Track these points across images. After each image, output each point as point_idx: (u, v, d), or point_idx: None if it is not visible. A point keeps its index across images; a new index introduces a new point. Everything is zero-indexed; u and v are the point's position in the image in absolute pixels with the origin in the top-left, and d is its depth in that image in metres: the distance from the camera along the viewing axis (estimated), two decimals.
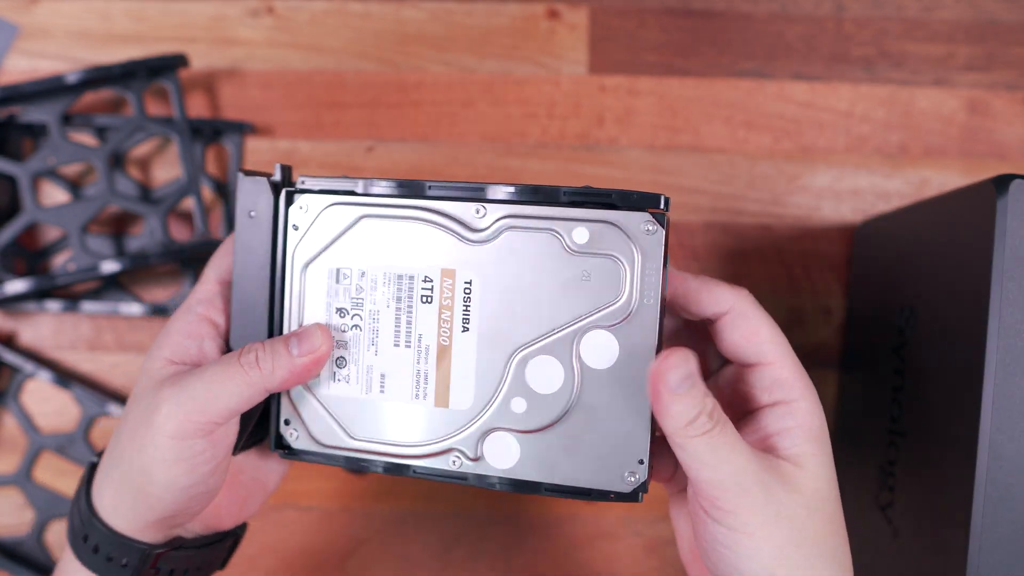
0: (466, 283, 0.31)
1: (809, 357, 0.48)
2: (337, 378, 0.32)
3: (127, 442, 0.30)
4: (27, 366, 0.47)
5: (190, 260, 0.48)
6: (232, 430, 0.31)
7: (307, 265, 0.32)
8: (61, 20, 0.48)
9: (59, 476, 0.48)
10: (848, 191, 0.48)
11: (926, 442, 0.36)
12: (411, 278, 0.31)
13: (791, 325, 0.48)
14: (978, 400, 0.31)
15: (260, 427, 0.34)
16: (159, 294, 0.49)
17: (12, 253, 0.47)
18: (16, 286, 0.44)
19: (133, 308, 0.47)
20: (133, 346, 0.48)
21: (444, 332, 0.31)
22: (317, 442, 0.33)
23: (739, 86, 0.48)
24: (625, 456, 0.29)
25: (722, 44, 0.48)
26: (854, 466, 0.44)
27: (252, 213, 0.32)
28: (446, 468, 0.31)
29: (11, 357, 0.47)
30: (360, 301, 0.32)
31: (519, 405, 0.31)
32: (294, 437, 0.33)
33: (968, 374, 0.31)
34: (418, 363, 0.31)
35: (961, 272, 0.33)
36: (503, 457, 0.31)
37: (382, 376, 0.32)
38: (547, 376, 0.30)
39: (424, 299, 0.31)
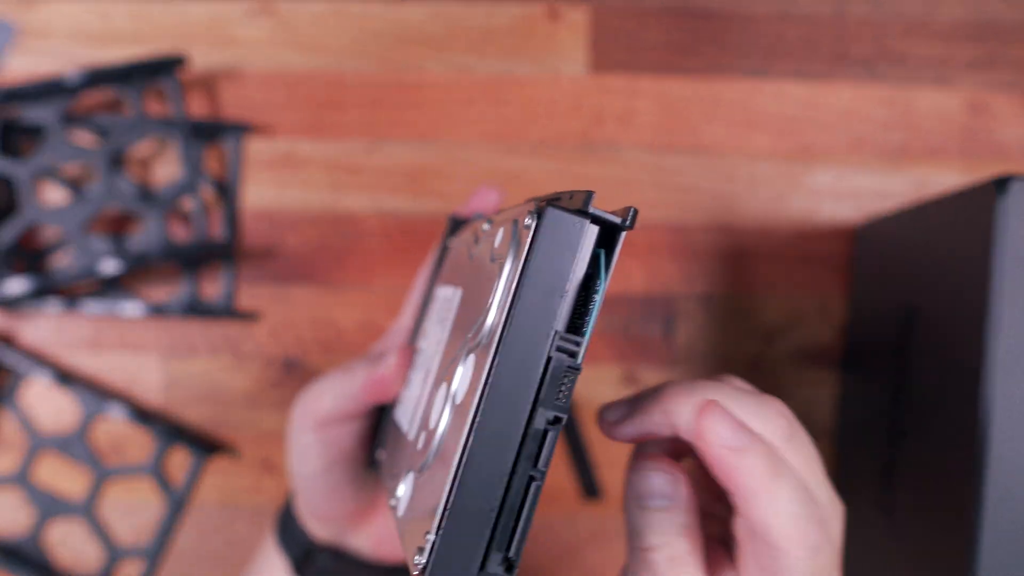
0: (454, 301, 0.27)
1: (809, 357, 0.48)
2: (400, 399, 0.31)
3: None
4: (27, 366, 0.47)
5: (190, 260, 0.48)
6: (346, 434, 0.33)
7: (433, 288, 0.33)
8: (61, 20, 0.48)
9: (59, 476, 0.48)
10: (848, 191, 0.48)
11: (926, 442, 0.36)
12: (444, 299, 0.30)
13: (791, 325, 0.48)
14: (979, 400, 0.31)
15: None
16: (159, 294, 0.49)
17: (12, 253, 0.47)
18: (16, 286, 0.44)
19: (133, 308, 0.47)
20: (133, 346, 0.48)
21: (434, 354, 0.28)
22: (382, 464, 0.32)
23: (739, 86, 0.48)
24: (424, 523, 0.21)
25: (722, 44, 0.48)
26: (854, 466, 0.44)
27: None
28: (391, 507, 0.26)
29: (11, 357, 0.47)
30: (429, 322, 0.31)
31: (421, 440, 0.25)
32: (382, 457, 0.32)
33: (968, 374, 0.31)
34: (417, 388, 0.28)
35: (961, 272, 0.33)
36: (403, 502, 0.24)
37: (404, 399, 0.30)
38: (437, 407, 0.24)
39: (441, 319, 0.29)
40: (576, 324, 0.21)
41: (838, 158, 0.48)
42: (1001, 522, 0.30)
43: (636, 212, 0.20)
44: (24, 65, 0.48)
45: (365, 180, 0.48)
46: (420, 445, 0.24)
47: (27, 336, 0.48)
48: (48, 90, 0.45)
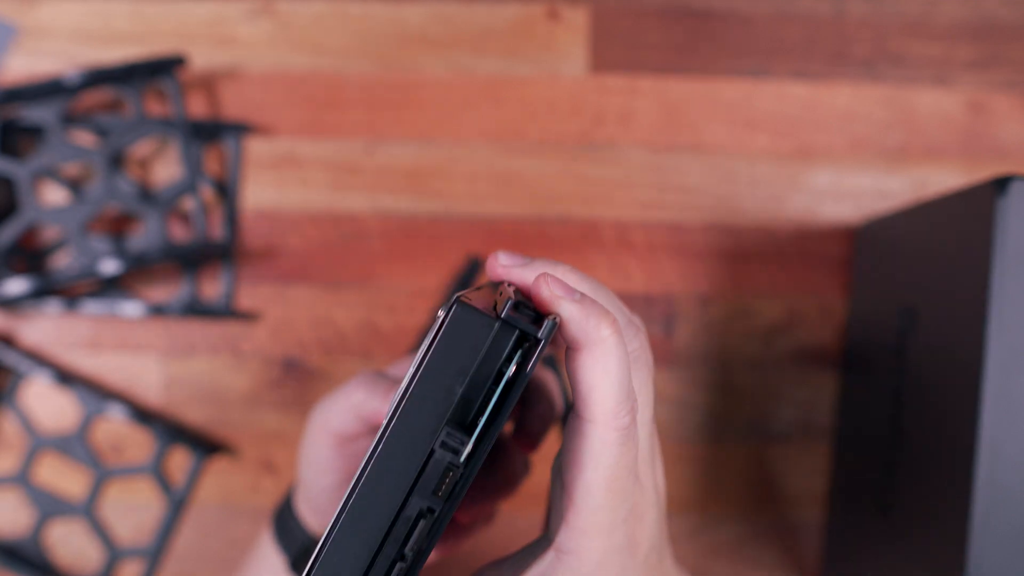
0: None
1: (809, 358, 0.48)
2: None
3: None
4: (27, 366, 0.47)
5: (190, 260, 0.48)
6: (365, 446, 0.32)
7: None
8: (61, 20, 0.48)
9: (59, 476, 0.48)
10: (848, 191, 0.48)
11: (926, 442, 0.36)
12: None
13: (791, 325, 0.48)
14: (978, 400, 0.31)
15: None
16: (159, 294, 0.49)
17: (12, 253, 0.47)
18: (16, 286, 0.44)
19: (133, 308, 0.47)
20: (133, 346, 0.48)
21: None
22: None
23: (739, 86, 0.48)
24: None
25: (722, 44, 0.48)
26: (854, 466, 0.44)
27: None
28: None
29: (11, 357, 0.47)
30: None
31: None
32: None
33: (968, 374, 0.31)
34: None
35: (961, 272, 0.33)
36: None
37: None
38: None
39: None
40: (473, 423, 0.20)
41: (838, 158, 0.48)
42: (1000, 522, 0.30)
43: (555, 325, 0.20)
44: (24, 65, 0.48)
45: (365, 180, 0.48)
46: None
47: (27, 336, 0.48)
48: (48, 90, 0.45)
